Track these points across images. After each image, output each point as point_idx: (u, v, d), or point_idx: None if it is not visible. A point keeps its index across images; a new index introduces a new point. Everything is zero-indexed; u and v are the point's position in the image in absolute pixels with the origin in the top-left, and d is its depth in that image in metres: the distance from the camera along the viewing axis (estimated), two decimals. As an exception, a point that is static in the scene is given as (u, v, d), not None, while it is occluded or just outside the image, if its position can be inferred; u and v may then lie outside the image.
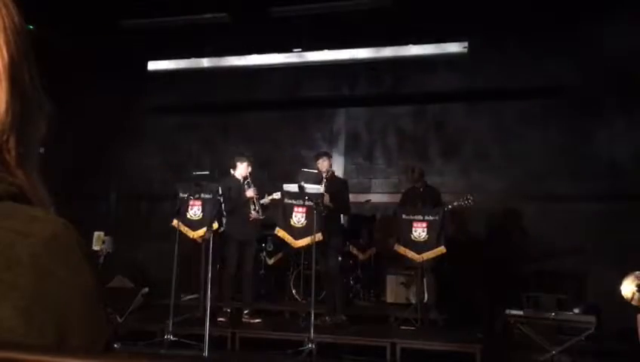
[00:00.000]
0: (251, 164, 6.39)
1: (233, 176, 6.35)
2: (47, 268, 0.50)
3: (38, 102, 0.60)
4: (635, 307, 4.37)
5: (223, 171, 6.66)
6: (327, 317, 6.15)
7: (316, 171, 6.23)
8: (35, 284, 0.48)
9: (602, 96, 7.01)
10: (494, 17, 7.00)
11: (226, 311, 6.27)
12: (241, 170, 6.32)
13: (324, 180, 6.14)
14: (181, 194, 6.14)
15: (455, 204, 6.34)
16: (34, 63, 0.59)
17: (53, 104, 0.62)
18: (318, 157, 6.36)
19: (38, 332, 0.47)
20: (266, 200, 6.73)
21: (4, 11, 0.56)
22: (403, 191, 7.04)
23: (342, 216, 6.82)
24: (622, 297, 4.45)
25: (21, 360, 0.40)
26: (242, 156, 6.39)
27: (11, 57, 0.55)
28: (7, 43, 0.55)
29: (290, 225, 6.03)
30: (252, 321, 6.26)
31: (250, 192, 6.22)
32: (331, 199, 6.03)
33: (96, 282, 0.55)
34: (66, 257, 0.52)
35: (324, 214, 5.96)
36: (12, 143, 0.55)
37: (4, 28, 0.55)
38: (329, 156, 6.44)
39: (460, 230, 7.49)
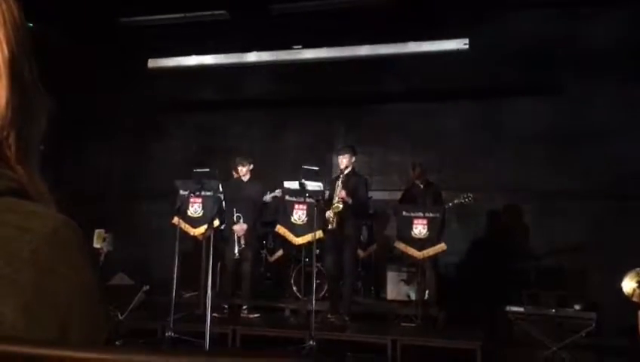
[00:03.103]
0: (251, 163, 6.40)
1: (235, 177, 6.38)
2: (48, 263, 0.50)
3: (39, 98, 0.60)
4: (636, 303, 4.37)
5: (225, 170, 6.68)
6: (329, 315, 6.16)
7: (317, 168, 6.22)
8: (36, 280, 0.48)
9: (602, 93, 7.00)
10: (495, 14, 7.00)
11: (224, 307, 6.30)
12: (242, 171, 6.36)
13: (341, 176, 6.12)
14: (182, 192, 6.15)
15: (455, 201, 6.34)
16: (34, 59, 0.59)
17: (53, 101, 0.62)
18: (339, 152, 6.32)
19: (39, 328, 0.47)
20: (268, 198, 6.75)
21: (4, 6, 0.55)
22: (403, 188, 7.03)
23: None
24: (622, 294, 4.45)
25: (23, 354, 0.40)
26: (242, 157, 6.43)
27: (11, 53, 0.55)
28: (8, 38, 0.55)
29: (291, 223, 6.03)
30: (250, 316, 6.29)
31: (237, 227, 6.14)
32: (348, 195, 6.00)
33: (96, 278, 0.55)
34: (66, 253, 0.52)
35: (337, 210, 5.95)
36: (12, 139, 0.55)
37: (4, 23, 0.55)
38: (351, 152, 6.26)
39: (460, 227, 7.49)
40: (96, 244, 7.24)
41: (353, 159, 6.25)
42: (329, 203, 6.05)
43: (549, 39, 7.24)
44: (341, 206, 5.98)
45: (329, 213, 6.02)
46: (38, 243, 0.50)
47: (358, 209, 6.14)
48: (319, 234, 5.79)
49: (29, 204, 0.53)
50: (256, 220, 6.42)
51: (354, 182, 6.16)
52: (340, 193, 5.99)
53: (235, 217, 6.11)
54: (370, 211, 7.54)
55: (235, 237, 6.12)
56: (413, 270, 6.69)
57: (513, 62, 7.42)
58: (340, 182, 6.08)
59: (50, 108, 0.61)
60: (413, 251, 6.09)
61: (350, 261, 6.20)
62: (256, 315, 6.33)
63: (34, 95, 0.58)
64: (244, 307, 6.37)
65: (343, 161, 6.18)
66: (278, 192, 6.40)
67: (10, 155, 0.55)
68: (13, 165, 0.55)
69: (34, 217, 0.51)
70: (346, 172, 6.16)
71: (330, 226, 6.01)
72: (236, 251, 6.11)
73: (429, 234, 6.05)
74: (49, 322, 0.48)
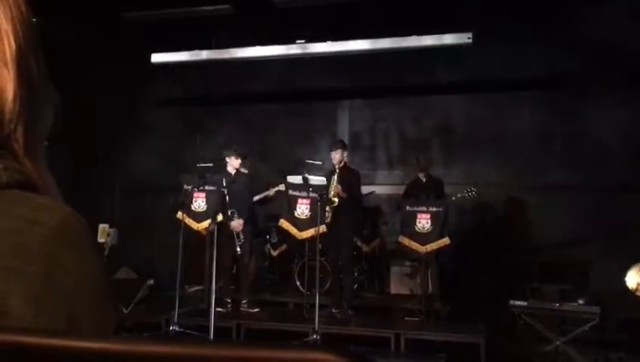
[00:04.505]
0: (240, 156, 6.37)
1: (226, 170, 6.37)
2: (56, 255, 0.50)
3: (45, 92, 0.60)
4: (640, 297, 4.37)
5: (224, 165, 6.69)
6: (333, 309, 6.17)
7: (320, 162, 6.22)
8: (44, 272, 0.49)
9: (604, 85, 6.96)
10: (498, 7, 6.97)
11: (227, 302, 6.32)
12: (232, 164, 6.34)
13: (337, 171, 6.12)
14: (185, 187, 6.16)
15: (458, 195, 6.33)
16: (40, 53, 0.59)
17: (58, 95, 0.62)
18: (331, 148, 6.33)
19: (47, 320, 0.48)
20: (271, 192, 6.76)
21: (10, 0, 0.56)
22: (407, 182, 7.04)
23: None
24: (626, 288, 4.44)
25: (31, 345, 0.40)
26: (230, 150, 6.39)
27: (18, 46, 0.55)
28: (15, 32, 0.55)
29: (295, 217, 6.04)
30: (251, 311, 6.30)
31: (235, 223, 6.14)
32: (343, 190, 6.02)
33: (103, 269, 0.55)
34: (74, 245, 0.53)
35: (335, 205, 5.96)
36: (20, 132, 0.55)
37: (12, 17, 0.55)
38: (342, 147, 6.28)
39: (463, 221, 7.49)
40: (101, 239, 7.27)
41: (345, 153, 6.28)
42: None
43: (554, 33, 7.20)
44: (337, 200, 5.99)
45: (326, 208, 6.04)
46: (46, 235, 0.50)
47: (353, 203, 6.17)
48: (322, 228, 5.80)
49: (37, 196, 0.54)
50: (249, 214, 6.41)
51: (348, 176, 6.18)
52: (336, 188, 6.00)
53: (229, 213, 6.10)
54: (369, 205, 7.54)
55: (234, 233, 6.12)
56: (417, 264, 6.69)
57: (516, 57, 7.38)
58: (335, 177, 6.09)
59: (56, 102, 0.62)
60: (416, 246, 6.09)
61: (348, 255, 6.22)
62: (256, 310, 6.35)
63: (41, 88, 0.59)
64: (244, 301, 6.39)
65: (336, 156, 6.18)
66: (281, 187, 6.41)
67: (17, 148, 0.55)
68: (21, 158, 0.55)
69: (42, 210, 0.52)
70: (339, 167, 6.17)
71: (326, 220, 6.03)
72: (238, 247, 6.12)
73: (432, 229, 6.05)
74: (57, 313, 0.49)
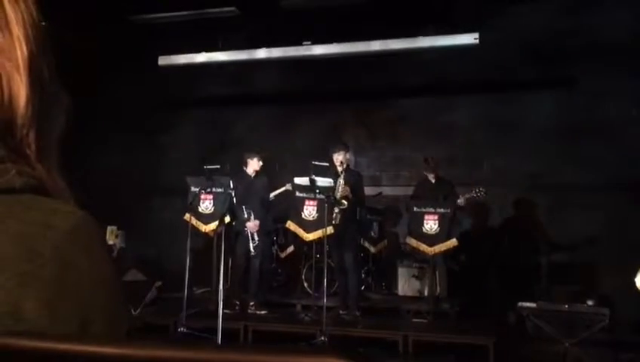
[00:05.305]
0: (262, 158, 6.42)
1: (245, 172, 6.40)
2: (69, 259, 0.50)
3: (57, 96, 0.60)
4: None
5: (235, 166, 6.70)
6: (340, 311, 6.17)
7: (327, 164, 6.22)
8: (58, 275, 0.49)
9: (616, 86, 6.92)
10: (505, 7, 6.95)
11: (235, 303, 6.33)
12: (252, 165, 6.38)
13: (342, 173, 6.11)
14: (193, 188, 6.18)
15: (467, 196, 6.31)
16: (51, 57, 0.60)
17: (70, 99, 0.62)
18: (333, 150, 6.33)
19: (61, 323, 0.48)
20: (276, 192, 6.78)
21: (22, 5, 0.56)
22: (414, 183, 7.02)
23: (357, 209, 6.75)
24: (636, 289, 4.41)
25: (45, 350, 0.40)
26: (252, 152, 6.44)
27: (30, 51, 0.55)
28: (27, 37, 0.55)
29: (302, 219, 6.04)
30: (258, 312, 6.31)
31: (250, 224, 6.18)
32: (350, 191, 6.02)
33: (115, 272, 0.56)
34: (86, 248, 0.53)
35: (344, 207, 5.96)
36: (32, 137, 0.56)
37: (23, 22, 0.55)
38: (345, 149, 6.28)
39: (472, 222, 7.46)
40: (109, 241, 7.30)
41: (348, 156, 6.30)
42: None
43: (562, 32, 7.16)
44: (346, 202, 5.99)
45: (335, 210, 6.04)
46: (59, 239, 0.50)
47: (357, 204, 6.18)
48: (330, 230, 5.79)
49: (50, 200, 0.54)
50: (265, 216, 6.45)
51: (352, 178, 6.18)
52: (344, 189, 6.00)
53: (245, 214, 6.13)
54: (377, 206, 7.53)
55: (249, 233, 6.15)
56: (425, 265, 6.68)
57: (525, 56, 7.35)
58: (341, 180, 6.07)
59: (68, 106, 0.62)
60: (424, 247, 6.07)
61: (353, 256, 6.22)
62: (263, 312, 6.35)
63: (52, 93, 0.59)
64: (252, 303, 6.40)
65: (339, 158, 6.16)
66: (288, 186, 6.43)
67: (30, 153, 0.56)
68: (33, 163, 0.56)
69: (55, 214, 0.52)
70: (342, 169, 6.16)
71: (333, 222, 6.02)
72: (252, 248, 6.15)
73: (440, 230, 6.03)
74: (71, 317, 0.49)
